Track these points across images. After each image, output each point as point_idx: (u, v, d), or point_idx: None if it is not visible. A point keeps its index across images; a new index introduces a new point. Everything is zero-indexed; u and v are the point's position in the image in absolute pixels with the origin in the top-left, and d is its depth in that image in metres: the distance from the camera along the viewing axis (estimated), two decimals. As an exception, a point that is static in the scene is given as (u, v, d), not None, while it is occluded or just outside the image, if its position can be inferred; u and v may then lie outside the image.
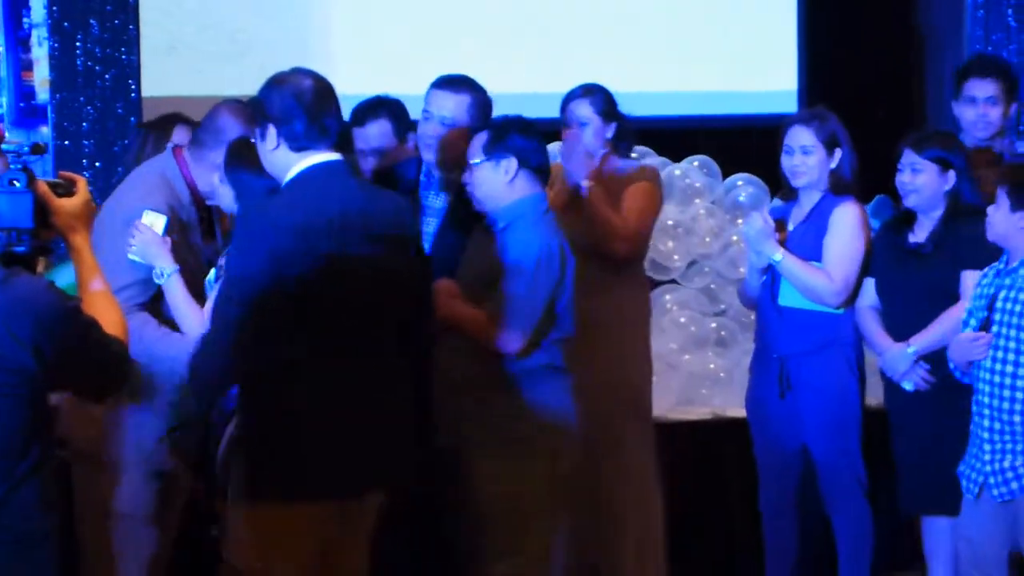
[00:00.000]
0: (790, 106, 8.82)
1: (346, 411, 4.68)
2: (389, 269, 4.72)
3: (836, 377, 6.46)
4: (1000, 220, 5.81)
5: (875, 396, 6.69)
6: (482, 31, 8.68)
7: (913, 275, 6.39)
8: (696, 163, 8.03)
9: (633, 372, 6.69)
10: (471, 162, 5.80)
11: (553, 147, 6.64)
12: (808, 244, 6.47)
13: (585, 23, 8.82)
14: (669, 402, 7.11)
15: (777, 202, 6.84)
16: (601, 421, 6.29)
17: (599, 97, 6.73)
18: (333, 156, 4.79)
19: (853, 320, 6.49)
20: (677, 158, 8.04)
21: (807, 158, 6.43)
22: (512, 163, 5.63)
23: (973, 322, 5.92)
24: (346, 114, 6.50)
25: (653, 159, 7.87)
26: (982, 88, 6.76)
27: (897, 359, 6.23)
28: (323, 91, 4.99)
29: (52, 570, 3.80)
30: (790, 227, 6.56)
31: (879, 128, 6.83)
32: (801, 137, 6.43)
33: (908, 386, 6.23)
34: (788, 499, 6.63)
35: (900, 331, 6.39)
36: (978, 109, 6.75)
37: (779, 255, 6.29)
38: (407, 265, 4.86)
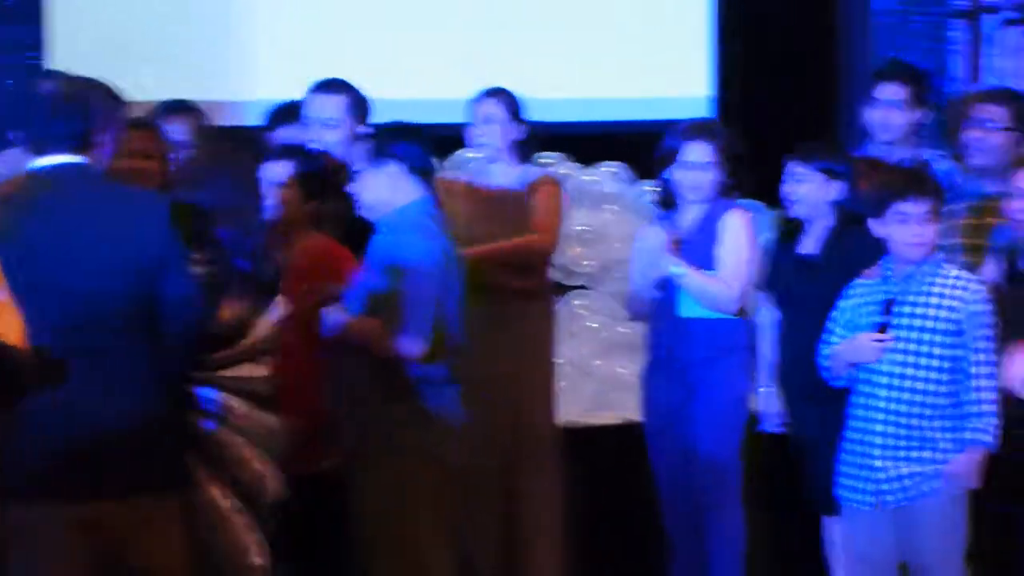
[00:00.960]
0: (703, 112, 8.86)
1: (60, 418, 4.63)
2: (91, 282, 4.65)
3: (736, 382, 6.50)
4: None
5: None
6: (395, 36, 8.68)
7: (805, 285, 6.39)
8: (608, 169, 8.06)
9: (536, 401, 6.73)
10: (355, 169, 5.86)
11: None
12: (701, 253, 6.47)
13: (498, 28, 8.86)
14: (581, 408, 7.16)
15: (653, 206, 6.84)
16: (502, 439, 6.40)
17: (507, 99, 6.78)
18: (67, 159, 4.74)
19: (749, 325, 6.54)
20: (589, 164, 8.08)
21: (704, 174, 6.46)
22: (395, 168, 5.67)
23: (840, 331, 5.96)
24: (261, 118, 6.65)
25: (566, 165, 7.92)
26: (887, 91, 6.79)
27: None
28: (66, 94, 4.94)
29: None
30: (677, 236, 6.57)
31: (791, 134, 6.78)
32: (698, 152, 6.44)
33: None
34: (691, 500, 6.61)
35: (795, 341, 6.42)
36: (880, 112, 6.80)
37: (678, 268, 6.32)
38: (119, 277, 4.73)
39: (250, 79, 8.64)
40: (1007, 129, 6.59)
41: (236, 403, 5.29)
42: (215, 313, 5.28)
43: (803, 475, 6.49)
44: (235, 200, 5.52)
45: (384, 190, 5.72)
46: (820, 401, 6.27)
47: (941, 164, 6.79)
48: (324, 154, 6.39)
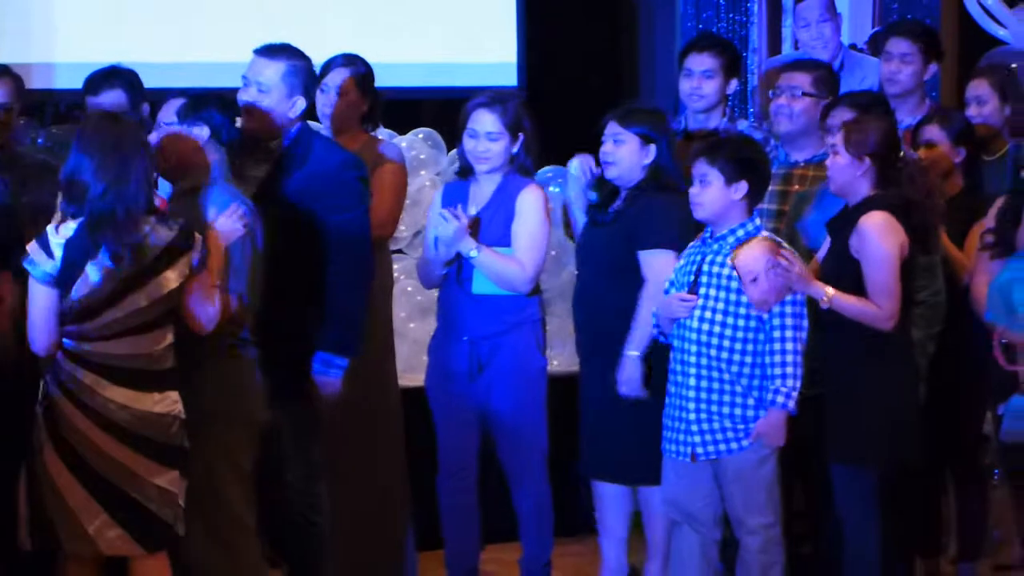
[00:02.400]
0: (510, 79, 8.95)
1: None
2: None
3: (526, 355, 6.52)
4: (714, 197, 5.95)
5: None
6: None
7: (595, 242, 6.48)
8: (421, 135, 8.14)
9: (375, 347, 6.76)
10: (163, 123, 5.84)
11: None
12: (496, 229, 6.49)
13: None
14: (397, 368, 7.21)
15: (451, 176, 6.85)
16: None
17: (360, 68, 6.76)
18: None
19: (540, 300, 6.57)
20: (402, 131, 8.08)
21: (492, 144, 6.43)
22: (204, 131, 5.65)
23: (674, 289, 6.05)
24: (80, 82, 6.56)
25: (379, 132, 7.76)
26: (697, 62, 6.87)
27: (628, 368, 6.30)
28: None
29: None
30: (472, 210, 6.54)
31: (592, 100, 7.04)
32: (486, 123, 6.42)
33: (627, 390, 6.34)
34: (469, 470, 6.64)
35: (580, 299, 6.53)
36: (692, 82, 6.87)
37: (475, 252, 6.34)
38: None
39: (50, 41, 8.50)
40: (807, 95, 6.72)
41: (90, 379, 5.32)
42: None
43: (583, 437, 6.58)
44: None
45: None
46: (602, 359, 6.38)
47: (755, 134, 6.88)
48: None
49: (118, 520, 5.32)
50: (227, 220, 5.52)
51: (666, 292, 6.18)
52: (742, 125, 7.02)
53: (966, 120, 6.89)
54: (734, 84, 6.96)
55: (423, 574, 6.95)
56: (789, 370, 5.86)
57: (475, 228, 6.45)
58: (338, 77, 6.73)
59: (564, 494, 6.83)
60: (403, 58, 8.74)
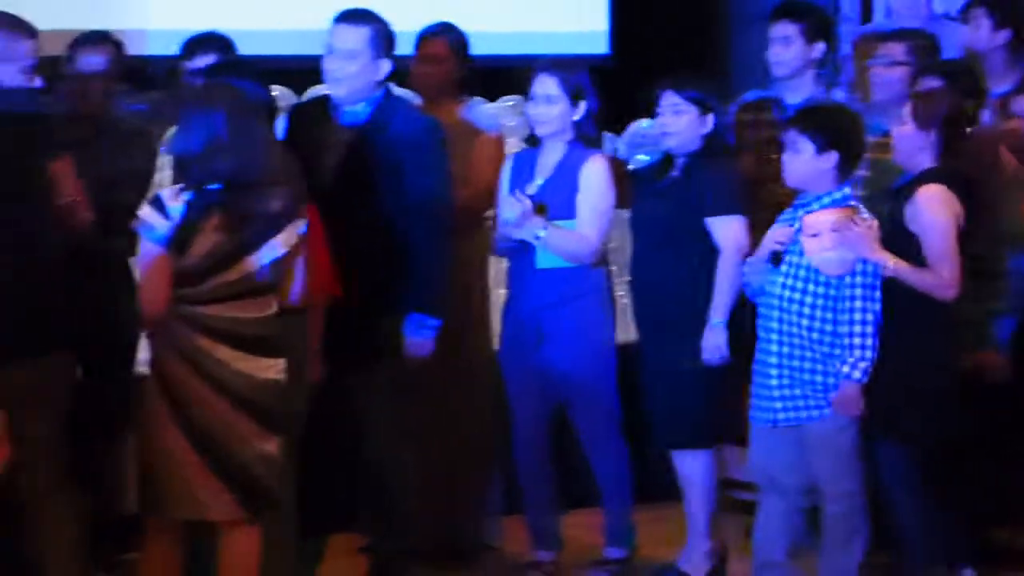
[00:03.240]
0: (601, 47, 9.05)
1: None
2: None
3: (591, 324, 6.56)
4: (804, 164, 5.93)
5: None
6: None
7: (652, 212, 6.48)
8: (510, 103, 8.05)
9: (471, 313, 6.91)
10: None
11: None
12: (560, 199, 6.49)
13: None
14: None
15: (521, 146, 6.83)
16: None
17: (456, 35, 6.84)
18: None
19: (603, 271, 6.57)
20: (492, 98, 8.08)
21: (550, 107, 6.44)
22: None
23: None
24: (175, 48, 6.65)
25: (482, 105, 7.91)
26: (776, 29, 6.87)
27: (713, 336, 6.31)
28: None
29: None
30: (539, 180, 6.52)
31: (683, 68, 6.86)
32: (546, 85, 6.43)
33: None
34: (541, 436, 6.69)
35: (637, 269, 6.55)
36: (776, 49, 6.86)
37: (542, 232, 6.35)
38: None
39: (145, 8, 8.54)
40: (903, 64, 6.70)
41: (205, 342, 5.38)
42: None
43: (650, 407, 6.57)
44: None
45: None
46: (663, 330, 6.43)
47: (849, 104, 6.81)
48: None
49: (227, 485, 5.36)
50: None
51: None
52: (838, 95, 6.96)
53: None
54: (819, 49, 6.87)
55: (509, 537, 6.99)
56: (858, 340, 5.85)
57: (540, 209, 6.47)
58: (436, 44, 6.79)
59: (643, 462, 6.84)
60: (493, 27, 8.70)
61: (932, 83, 6.36)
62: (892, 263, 5.86)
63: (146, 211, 5.31)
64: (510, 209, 6.45)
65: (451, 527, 6.90)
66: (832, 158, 5.89)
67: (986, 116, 6.85)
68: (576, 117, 6.42)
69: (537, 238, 6.33)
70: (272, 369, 5.43)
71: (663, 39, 8.80)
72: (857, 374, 5.85)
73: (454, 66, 6.83)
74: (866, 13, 9.40)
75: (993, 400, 6.44)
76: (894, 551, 6.41)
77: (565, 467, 6.84)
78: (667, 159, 6.47)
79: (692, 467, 6.48)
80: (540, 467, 6.69)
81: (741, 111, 6.90)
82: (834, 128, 6.00)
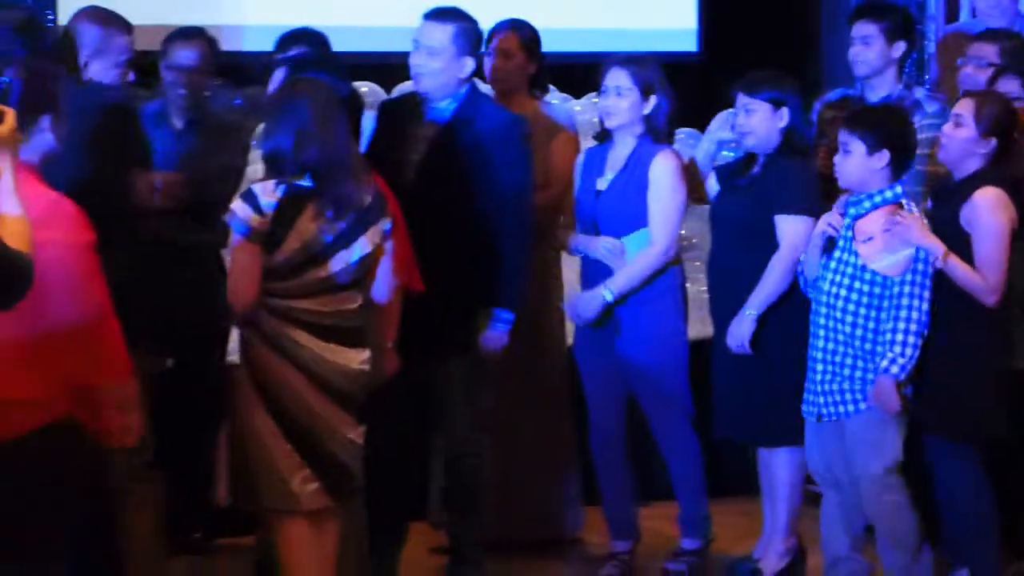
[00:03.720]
0: (690, 44, 9.08)
1: None
2: None
3: (665, 321, 6.57)
4: (856, 165, 5.94)
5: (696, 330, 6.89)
6: None
7: (731, 208, 6.50)
8: (595, 99, 7.85)
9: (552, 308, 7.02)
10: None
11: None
12: (629, 195, 6.50)
13: None
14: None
15: (592, 143, 6.85)
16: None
17: (526, 32, 6.88)
18: None
19: (677, 269, 6.58)
20: (579, 95, 8.19)
21: (620, 100, 6.45)
22: None
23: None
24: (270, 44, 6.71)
25: (555, 95, 7.94)
26: (857, 28, 6.89)
27: (741, 325, 6.36)
28: None
29: None
30: (609, 175, 6.55)
31: (772, 66, 6.81)
32: (617, 78, 6.45)
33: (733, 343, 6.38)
34: (617, 429, 6.70)
35: (714, 264, 6.57)
36: (855, 48, 6.87)
37: (610, 296, 6.37)
38: None
39: (239, 4, 8.64)
40: (993, 65, 6.65)
41: (300, 335, 5.42)
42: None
43: (716, 398, 6.60)
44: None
45: None
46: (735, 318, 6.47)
47: (931, 103, 6.92)
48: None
49: (317, 474, 5.41)
50: None
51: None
52: (919, 93, 6.96)
53: None
54: (900, 48, 6.85)
55: (591, 528, 7.03)
56: (900, 337, 5.85)
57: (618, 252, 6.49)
58: (506, 40, 6.83)
59: (721, 455, 6.93)
60: (585, 23, 8.80)
61: (1010, 85, 6.36)
62: (945, 254, 5.85)
63: (238, 205, 5.34)
64: (607, 249, 6.46)
65: (528, 518, 6.94)
66: (884, 157, 5.89)
67: None
68: (647, 111, 6.42)
69: (612, 294, 6.39)
70: (358, 359, 5.45)
71: (752, 37, 8.78)
72: (895, 369, 5.85)
73: (524, 62, 6.87)
74: (952, 12, 9.27)
75: None
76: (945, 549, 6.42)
77: (643, 459, 6.89)
78: (750, 157, 6.48)
79: (780, 464, 6.49)
80: (617, 459, 6.71)
81: (825, 108, 6.86)
82: (885, 128, 5.99)
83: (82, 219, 4.66)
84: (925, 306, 5.87)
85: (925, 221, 5.93)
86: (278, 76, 6.02)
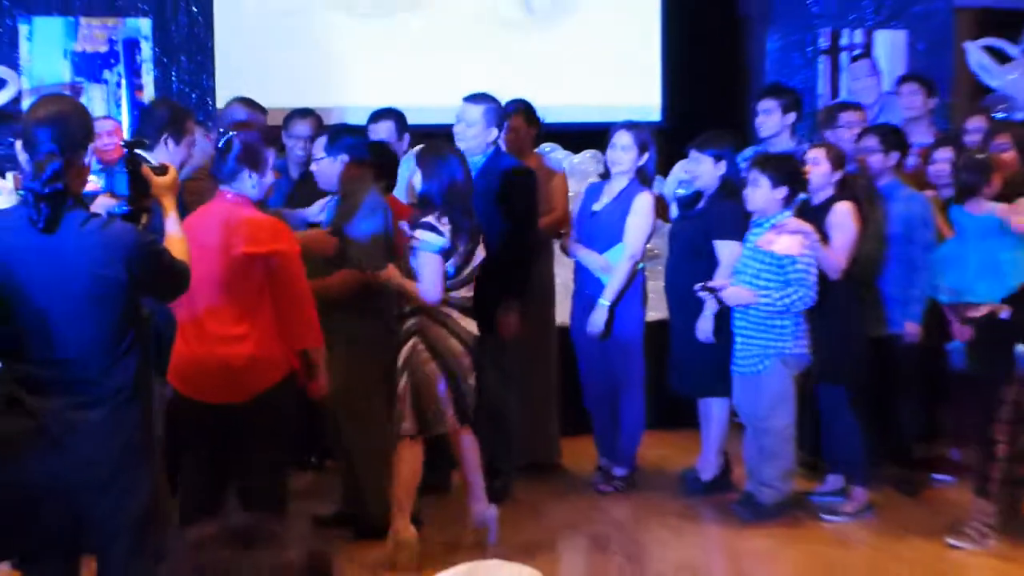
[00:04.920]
0: (656, 116, 9.25)
1: None
2: None
3: (629, 310, 6.71)
4: (762, 196, 6.19)
5: (655, 314, 7.04)
6: (423, 60, 8.89)
7: (683, 231, 6.72)
8: (589, 154, 8.61)
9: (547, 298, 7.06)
10: (316, 157, 6.02)
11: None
12: (615, 218, 6.62)
13: (499, 52, 8.98)
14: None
15: (595, 178, 6.98)
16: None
17: (527, 109, 7.00)
18: None
19: (641, 272, 6.70)
20: (577, 150, 8.71)
21: (624, 154, 6.58)
22: (343, 156, 5.92)
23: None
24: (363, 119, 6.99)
25: (560, 152, 8.39)
26: (762, 104, 7.11)
27: (704, 322, 6.47)
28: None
29: (142, 421, 3.98)
30: (604, 201, 6.69)
31: (715, 130, 6.89)
32: (622, 138, 6.60)
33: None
34: (604, 387, 6.78)
35: (670, 271, 6.79)
36: (759, 118, 7.09)
37: (606, 302, 6.55)
38: None
39: (342, 90, 8.79)
40: (858, 127, 6.95)
41: (459, 315, 5.76)
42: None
43: (681, 363, 6.73)
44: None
45: (335, 172, 5.95)
46: (684, 310, 6.63)
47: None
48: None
49: (457, 406, 5.70)
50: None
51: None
52: (805, 146, 6.95)
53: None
54: (792, 117, 7.03)
55: (581, 452, 7.21)
56: (791, 290, 6.09)
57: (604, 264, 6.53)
58: (514, 119, 6.92)
59: (678, 401, 7.03)
60: (579, 101, 8.96)
61: (870, 141, 6.64)
62: (817, 238, 6.11)
63: (421, 233, 5.59)
64: (592, 263, 6.56)
65: (535, 443, 7.07)
66: (783, 191, 6.17)
67: (910, 161, 7.09)
68: (641, 163, 6.58)
69: (603, 305, 6.52)
70: (474, 326, 5.79)
71: (700, 110, 8.75)
72: (779, 304, 6.08)
73: (527, 129, 6.97)
74: (834, 92, 9.49)
75: (915, 356, 6.71)
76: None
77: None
78: (698, 194, 6.63)
79: (714, 409, 6.72)
80: (604, 407, 6.82)
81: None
82: (785, 170, 6.23)
83: (290, 234, 5.09)
84: (812, 279, 6.07)
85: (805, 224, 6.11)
86: (320, 142, 6.04)
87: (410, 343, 5.65)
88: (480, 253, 5.73)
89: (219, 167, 5.09)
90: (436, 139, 5.90)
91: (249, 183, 5.11)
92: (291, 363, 5.04)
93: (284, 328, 5.04)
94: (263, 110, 6.89)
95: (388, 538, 5.74)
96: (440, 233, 5.57)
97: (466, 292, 5.76)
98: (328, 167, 5.92)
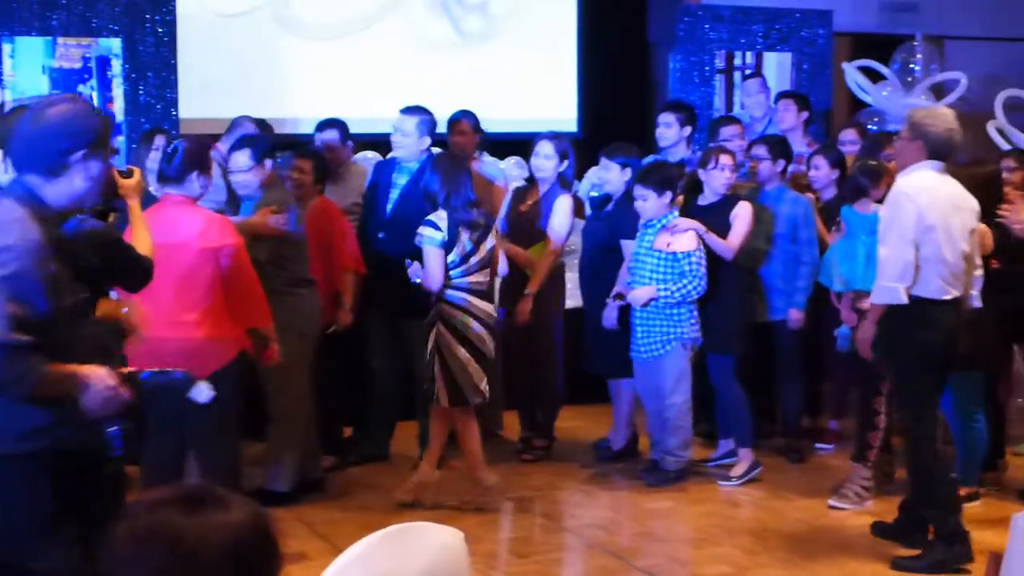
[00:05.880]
0: (573, 127, 9.20)
1: None
2: None
3: (549, 298, 6.75)
4: (652, 205, 6.22)
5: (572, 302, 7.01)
6: (367, 75, 8.80)
7: (594, 230, 6.78)
8: (513, 160, 8.46)
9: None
10: (241, 167, 5.85)
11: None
12: (541, 220, 6.66)
13: (434, 70, 8.85)
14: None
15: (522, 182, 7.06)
16: None
17: (471, 117, 7.01)
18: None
19: (562, 262, 6.77)
20: (503, 158, 8.38)
21: (547, 161, 6.64)
22: (268, 164, 5.90)
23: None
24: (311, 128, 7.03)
25: (488, 158, 8.12)
26: (662, 118, 7.21)
27: (609, 310, 6.50)
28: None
29: None
30: (530, 202, 6.74)
31: (624, 139, 6.99)
32: (545, 148, 6.67)
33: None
34: (531, 371, 6.80)
35: (583, 265, 6.82)
36: (659, 130, 7.18)
37: (531, 291, 6.51)
38: None
39: (285, 102, 8.66)
40: (739, 138, 7.11)
41: (474, 298, 5.85)
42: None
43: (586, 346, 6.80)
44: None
45: (256, 177, 5.87)
46: (595, 299, 6.71)
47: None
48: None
49: (487, 379, 5.82)
50: (275, 218, 5.74)
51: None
52: (699, 155, 7.00)
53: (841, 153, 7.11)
54: (688, 130, 7.12)
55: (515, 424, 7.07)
56: (685, 281, 6.15)
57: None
58: (461, 124, 6.97)
59: (594, 379, 7.02)
60: (504, 115, 8.74)
61: (759, 150, 6.77)
62: (705, 231, 6.21)
63: (423, 229, 5.68)
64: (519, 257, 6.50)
65: (535, 392, 6.91)
66: (668, 196, 6.23)
67: (792, 167, 7.05)
68: (561, 169, 6.64)
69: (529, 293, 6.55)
70: (492, 308, 5.91)
71: (611, 122, 8.80)
72: (678, 296, 6.16)
73: (472, 135, 6.98)
74: (729, 107, 9.72)
75: (798, 340, 6.78)
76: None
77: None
78: (607, 197, 6.70)
79: (622, 387, 6.76)
80: (528, 383, 6.85)
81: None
82: (663, 177, 6.27)
83: (232, 227, 5.11)
84: (703, 270, 6.17)
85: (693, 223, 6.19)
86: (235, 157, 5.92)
87: (435, 330, 5.72)
88: (491, 241, 5.77)
89: (166, 170, 5.07)
90: (446, 151, 6.16)
91: (196, 184, 5.11)
92: (242, 343, 5.06)
93: (237, 311, 5.08)
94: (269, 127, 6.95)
95: (413, 478, 5.95)
96: (439, 228, 5.61)
97: (481, 277, 5.81)
98: (255, 175, 5.85)
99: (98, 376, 3.15)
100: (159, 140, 6.43)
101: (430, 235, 5.65)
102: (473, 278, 5.78)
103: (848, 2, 9.60)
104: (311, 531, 5.82)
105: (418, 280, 5.78)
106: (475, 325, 5.76)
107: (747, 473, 6.51)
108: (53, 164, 3.21)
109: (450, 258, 5.74)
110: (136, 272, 3.89)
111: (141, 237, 3.99)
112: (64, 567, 3.14)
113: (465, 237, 5.71)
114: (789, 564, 5.47)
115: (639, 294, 6.20)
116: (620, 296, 6.20)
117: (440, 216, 5.65)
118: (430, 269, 5.67)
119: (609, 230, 6.53)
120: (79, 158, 3.24)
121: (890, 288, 5.26)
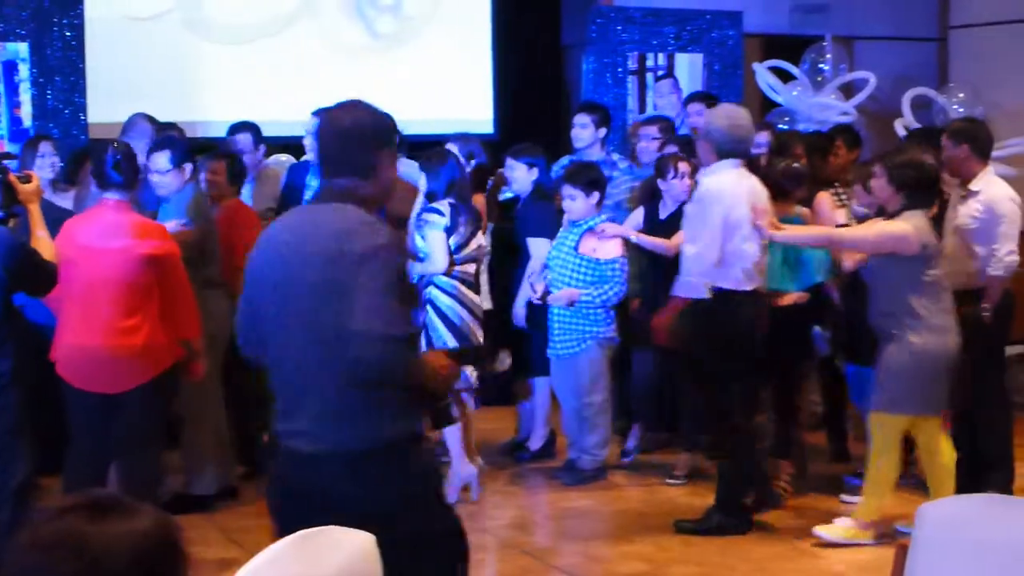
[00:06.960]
0: (488, 128, 9.30)
1: None
2: None
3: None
4: (580, 206, 6.29)
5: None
6: (282, 78, 8.84)
7: (505, 229, 6.93)
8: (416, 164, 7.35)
9: None
10: (160, 169, 5.83)
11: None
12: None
13: (348, 73, 8.90)
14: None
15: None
16: None
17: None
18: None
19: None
20: (415, 158, 7.84)
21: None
22: (189, 166, 5.94)
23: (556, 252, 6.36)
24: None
25: (405, 160, 8.03)
26: (577, 119, 7.26)
27: (520, 303, 6.64)
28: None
29: (20, 403, 4.03)
30: (445, 203, 6.26)
31: (540, 141, 7.13)
32: (452, 149, 6.52)
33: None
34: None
35: (493, 268, 6.80)
36: (576, 131, 7.20)
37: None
38: None
39: (196, 106, 8.71)
40: (658, 139, 7.11)
41: (463, 284, 5.98)
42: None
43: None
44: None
45: (178, 181, 5.87)
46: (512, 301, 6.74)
47: (622, 163, 7.34)
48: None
49: (474, 367, 5.87)
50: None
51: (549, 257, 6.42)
52: (615, 157, 7.37)
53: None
54: (603, 131, 7.19)
55: None
56: (604, 291, 6.23)
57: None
58: None
59: (497, 380, 7.06)
60: (421, 116, 8.65)
61: (672, 149, 6.72)
62: (634, 234, 6.34)
63: (428, 215, 5.82)
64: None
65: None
66: (596, 197, 6.32)
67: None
68: (470, 169, 6.59)
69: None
70: (478, 299, 6.04)
71: (526, 123, 8.89)
72: (598, 301, 6.22)
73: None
74: (642, 108, 9.71)
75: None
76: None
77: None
78: (516, 198, 6.82)
79: (538, 386, 6.87)
80: None
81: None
82: (591, 178, 6.38)
83: (168, 234, 5.12)
84: (625, 276, 6.22)
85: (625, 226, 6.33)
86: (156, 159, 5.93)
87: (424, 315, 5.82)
88: (480, 237, 5.93)
89: (100, 176, 5.06)
90: (435, 148, 6.19)
91: (128, 190, 5.15)
92: (176, 353, 5.09)
93: (171, 319, 5.11)
94: (149, 119, 6.94)
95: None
96: (442, 214, 5.79)
97: (469, 268, 5.95)
98: (174, 178, 5.86)
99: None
100: (44, 147, 6.42)
101: (435, 220, 5.78)
102: (466, 268, 5.94)
103: (759, 3, 9.69)
104: (227, 537, 5.82)
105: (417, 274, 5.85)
106: (464, 314, 5.88)
107: (682, 477, 6.63)
108: None
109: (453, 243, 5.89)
110: (41, 277, 3.94)
111: (43, 242, 4.02)
112: (456, 524, 3.48)
113: (462, 228, 5.86)
114: (702, 560, 5.55)
115: (560, 296, 6.24)
116: (545, 295, 6.26)
117: (442, 204, 5.80)
118: (434, 253, 5.78)
119: (517, 230, 6.63)
120: None
121: (695, 283, 5.46)
